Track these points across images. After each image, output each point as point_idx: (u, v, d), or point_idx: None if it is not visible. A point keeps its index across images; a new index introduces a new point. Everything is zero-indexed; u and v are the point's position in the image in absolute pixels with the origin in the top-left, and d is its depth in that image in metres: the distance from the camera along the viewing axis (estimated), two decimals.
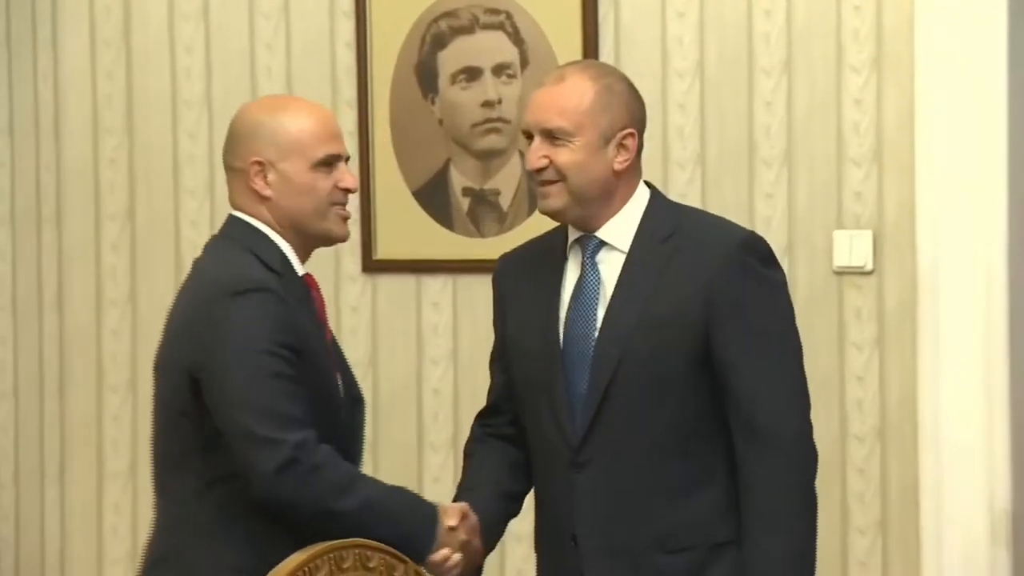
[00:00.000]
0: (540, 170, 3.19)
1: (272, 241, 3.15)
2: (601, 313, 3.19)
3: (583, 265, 3.23)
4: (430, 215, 4.52)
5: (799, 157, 4.13)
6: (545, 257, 3.30)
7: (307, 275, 3.25)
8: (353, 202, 4.50)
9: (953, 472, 4.00)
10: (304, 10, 4.61)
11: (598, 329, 3.19)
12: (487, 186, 4.48)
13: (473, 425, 3.43)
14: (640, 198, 3.23)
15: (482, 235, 4.45)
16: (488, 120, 4.46)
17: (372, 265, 4.56)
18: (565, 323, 3.22)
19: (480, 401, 3.46)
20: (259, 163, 3.13)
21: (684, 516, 3.16)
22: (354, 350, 4.60)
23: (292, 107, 3.24)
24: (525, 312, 3.30)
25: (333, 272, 4.61)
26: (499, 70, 4.44)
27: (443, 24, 4.47)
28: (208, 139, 4.73)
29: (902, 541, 4.06)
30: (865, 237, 4.07)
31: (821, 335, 4.10)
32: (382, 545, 3.00)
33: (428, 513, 3.08)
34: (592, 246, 3.22)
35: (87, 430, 4.91)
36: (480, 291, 4.33)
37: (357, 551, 2.96)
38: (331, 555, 2.91)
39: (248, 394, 3.01)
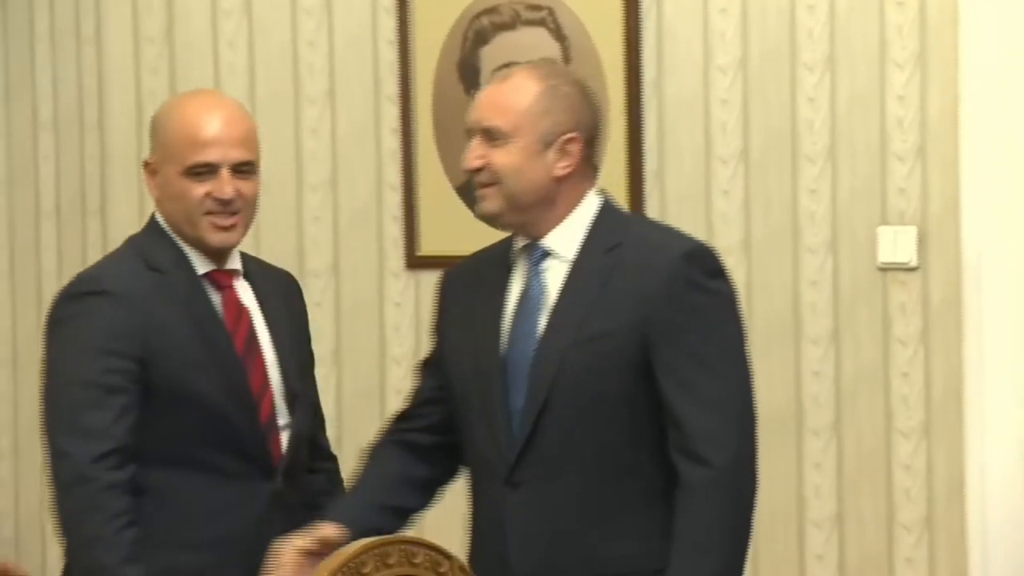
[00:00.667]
0: (476, 171, 3.10)
1: (170, 238, 3.15)
2: (543, 324, 3.09)
3: (527, 274, 3.13)
4: (473, 211, 4.53)
5: (842, 153, 4.13)
6: (491, 269, 3.21)
7: (215, 272, 3.21)
8: (396, 198, 4.62)
9: (999, 467, 4.00)
10: (347, 6, 4.66)
11: (538, 342, 3.08)
12: None
13: (386, 426, 3.32)
14: (589, 206, 3.12)
15: None
16: None
17: (415, 261, 4.61)
18: (508, 335, 3.12)
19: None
20: (148, 163, 3.17)
21: (620, 541, 3.05)
22: (397, 346, 4.66)
23: (184, 109, 3.20)
24: (468, 323, 3.19)
25: (377, 268, 4.67)
26: None
27: (485, 20, 4.50)
28: None
29: (948, 537, 4.06)
30: (909, 233, 4.06)
31: (865, 331, 4.11)
32: (427, 541, 3.01)
33: None
34: (537, 255, 3.12)
35: None
36: None
37: (402, 547, 2.96)
38: (376, 551, 2.91)
39: (53, 401, 3.03)
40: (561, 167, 3.06)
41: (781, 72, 4.17)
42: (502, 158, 3.06)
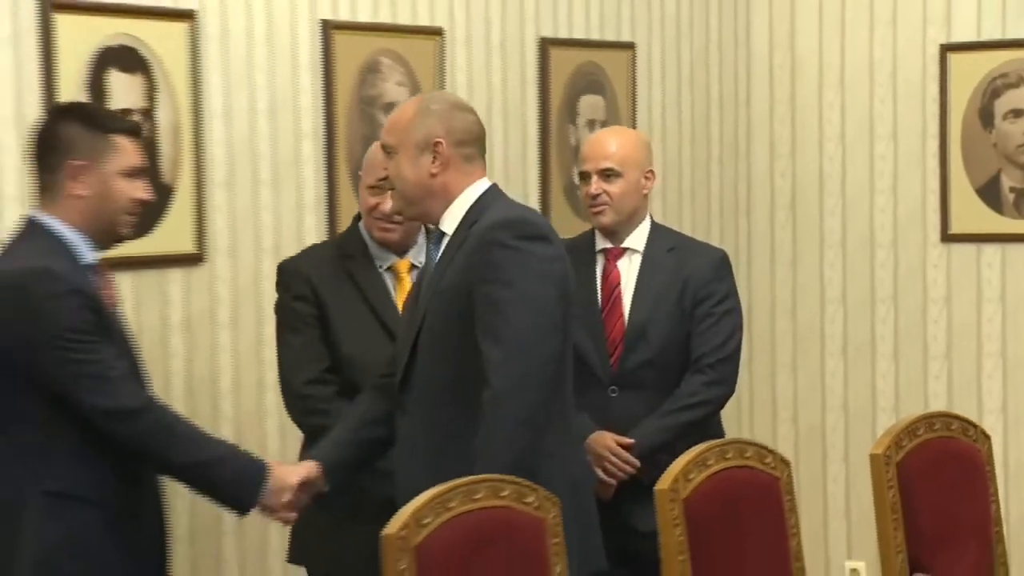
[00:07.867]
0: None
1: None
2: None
3: (428, 251, 3.59)
4: (986, 204, 6.07)
5: None
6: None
7: (608, 249, 4.05)
8: (935, 199, 6.06)
9: None
10: (907, 76, 6.07)
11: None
12: None
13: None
14: (470, 194, 3.45)
15: (1022, 218, 5.99)
16: None
17: (948, 237, 6.10)
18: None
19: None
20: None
21: (461, 457, 3.32)
22: (934, 290, 6.13)
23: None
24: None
25: (920, 243, 6.11)
26: None
27: (998, 82, 5.98)
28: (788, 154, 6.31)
29: None
30: None
31: None
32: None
33: None
34: (436, 236, 3.51)
35: None
36: (1021, 257, 6.01)
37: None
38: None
39: None
40: (435, 167, 3.45)
41: None
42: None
